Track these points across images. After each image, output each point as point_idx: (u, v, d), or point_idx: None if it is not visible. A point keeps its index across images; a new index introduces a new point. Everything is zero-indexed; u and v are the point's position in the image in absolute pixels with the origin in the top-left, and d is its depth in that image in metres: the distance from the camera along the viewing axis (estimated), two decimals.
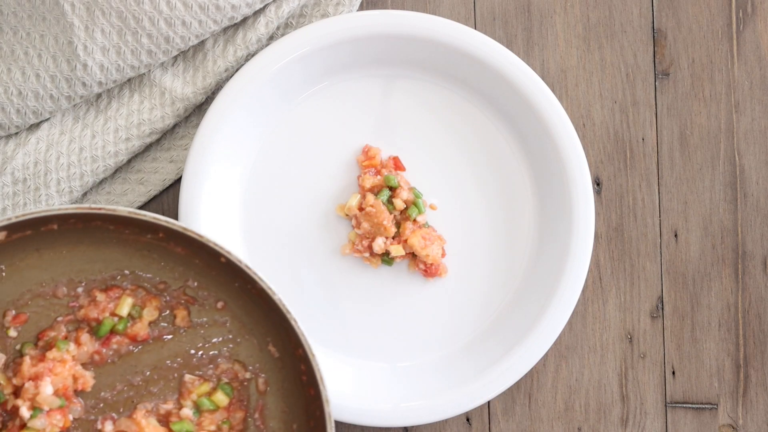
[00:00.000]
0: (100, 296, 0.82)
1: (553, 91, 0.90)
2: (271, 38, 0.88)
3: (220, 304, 0.83)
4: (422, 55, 0.87)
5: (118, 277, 0.83)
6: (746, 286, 0.90)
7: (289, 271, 0.88)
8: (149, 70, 0.88)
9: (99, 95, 0.89)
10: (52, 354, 0.80)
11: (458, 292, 0.88)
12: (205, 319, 0.83)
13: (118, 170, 0.89)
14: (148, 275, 0.83)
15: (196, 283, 0.83)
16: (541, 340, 0.86)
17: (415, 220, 0.87)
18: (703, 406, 0.90)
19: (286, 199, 0.88)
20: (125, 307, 0.82)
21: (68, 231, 0.81)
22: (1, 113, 0.86)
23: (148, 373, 0.83)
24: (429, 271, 0.87)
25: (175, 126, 0.90)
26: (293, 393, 0.83)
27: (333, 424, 0.79)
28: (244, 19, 0.88)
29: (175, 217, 0.90)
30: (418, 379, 0.87)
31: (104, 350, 0.82)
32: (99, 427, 0.81)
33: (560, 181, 0.86)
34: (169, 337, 0.83)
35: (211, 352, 0.83)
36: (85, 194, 0.89)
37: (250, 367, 0.83)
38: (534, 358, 0.86)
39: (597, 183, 0.90)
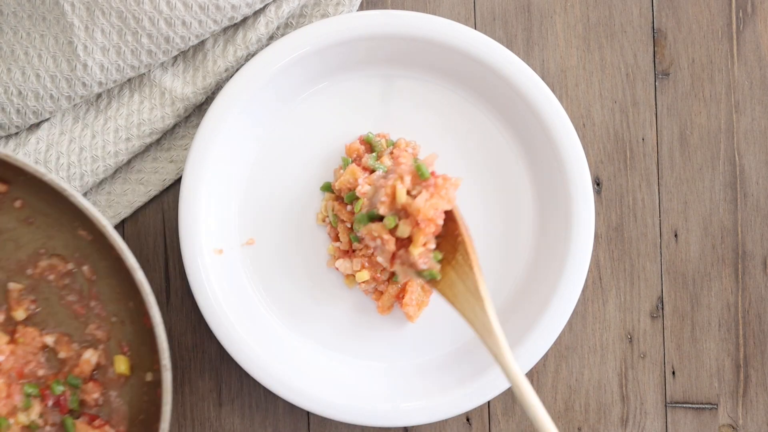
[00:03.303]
0: None
1: (553, 91, 0.90)
2: (271, 38, 0.88)
3: (18, 203, 0.80)
4: (422, 55, 0.87)
5: None
6: (746, 286, 0.90)
7: (289, 270, 0.88)
8: (149, 70, 0.88)
9: (99, 95, 0.88)
10: None
11: None
12: (9, 223, 0.80)
13: (118, 170, 0.89)
14: None
15: None
16: (541, 340, 0.86)
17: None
18: (703, 406, 0.90)
19: (285, 198, 0.88)
20: None
21: None
22: (1, 113, 0.86)
23: None
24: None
25: (175, 126, 0.90)
26: (118, 271, 0.80)
27: (149, 290, 0.77)
28: (244, 19, 0.88)
29: (176, 218, 0.90)
30: (418, 379, 0.87)
31: None
32: None
33: (560, 181, 0.86)
34: None
35: (26, 254, 0.80)
36: (85, 194, 0.88)
37: (70, 258, 0.80)
38: (534, 358, 0.86)
39: (597, 183, 0.90)
